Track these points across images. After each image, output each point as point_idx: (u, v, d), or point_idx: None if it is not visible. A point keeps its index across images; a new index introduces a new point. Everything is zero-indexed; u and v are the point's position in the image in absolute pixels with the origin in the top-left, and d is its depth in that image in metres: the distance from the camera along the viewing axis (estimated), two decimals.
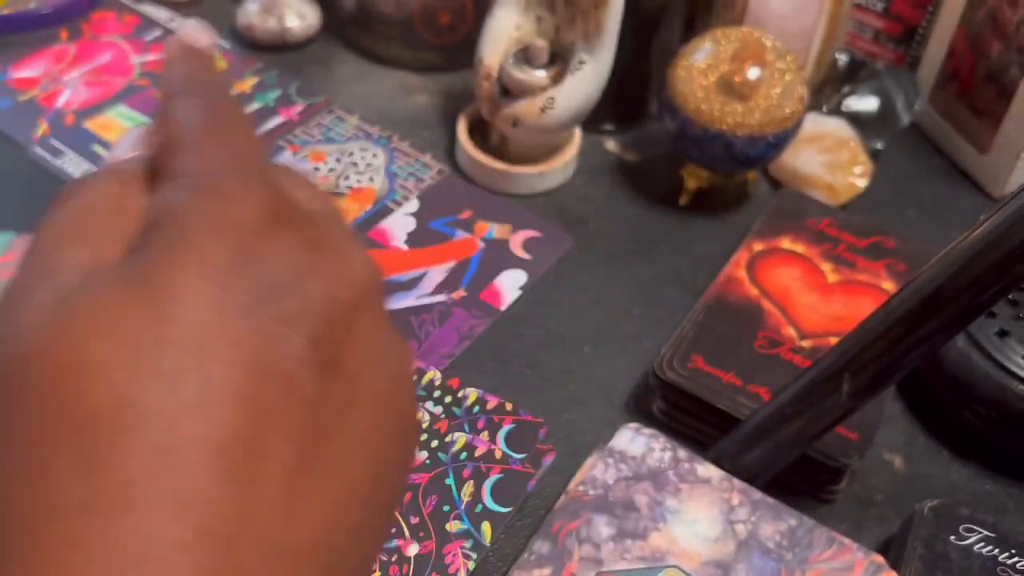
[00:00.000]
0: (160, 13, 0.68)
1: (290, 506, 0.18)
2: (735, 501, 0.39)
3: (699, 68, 0.53)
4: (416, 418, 0.23)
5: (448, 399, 0.46)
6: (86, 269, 0.19)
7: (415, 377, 0.22)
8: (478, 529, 0.41)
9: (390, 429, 0.21)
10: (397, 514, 0.41)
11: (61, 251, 0.20)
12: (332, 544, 0.18)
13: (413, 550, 0.40)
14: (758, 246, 0.52)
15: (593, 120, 0.59)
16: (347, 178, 0.58)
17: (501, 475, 0.43)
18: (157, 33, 0.67)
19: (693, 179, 0.58)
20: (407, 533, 0.40)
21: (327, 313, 0.19)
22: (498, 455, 0.44)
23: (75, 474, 0.16)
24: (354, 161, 0.59)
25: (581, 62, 0.54)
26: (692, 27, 0.67)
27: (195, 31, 0.26)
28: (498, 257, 0.54)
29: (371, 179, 0.58)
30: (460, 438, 0.44)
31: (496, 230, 0.56)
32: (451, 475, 0.43)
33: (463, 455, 0.44)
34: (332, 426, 0.19)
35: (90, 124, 0.59)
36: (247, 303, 0.18)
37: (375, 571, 0.39)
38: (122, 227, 0.20)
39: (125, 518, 0.16)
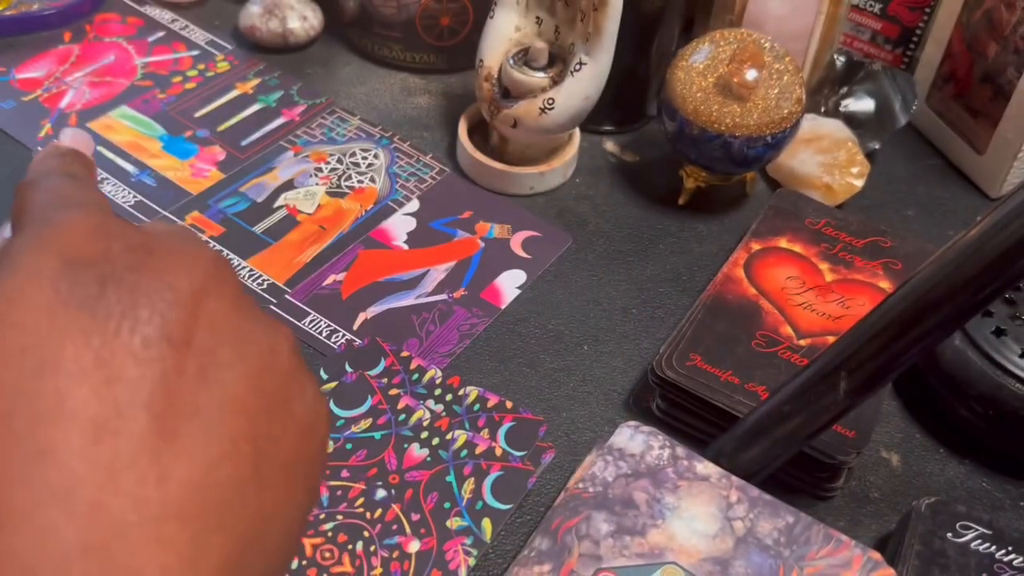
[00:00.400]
0: (164, 15, 0.69)
1: (158, 464, 0.19)
2: (733, 498, 0.39)
3: (697, 69, 0.54)
4: (309, 387, 0.24)
5: (449, 397, 0.46)
6: None
7: (296, 354, 0.24)
8: (479, 526, 0.41)
9: (266, 394, 0.22)
10: (321, 492, 0.41)
11: None
12: (207, 492, 0.20)
13: (414, 547, 0.40)
14: (756, 246, 0.52)
15: (592, 121, 0.60)
16: (349, 178, 0.58)
17: (501, 472, 0.43)
18: (160, 34, 0.67)
19: (692, 179, 0.58)
20: (408, 530, 0.41)
21: (165, 299, 0.21)
22: (498, 452, 0.44)
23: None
24: (355, 162, 0.59)
25: (581, 63, 0.54)
26: (690, 29, 0.67)
27: (76, 138, 0.30)
28: (498, 257, 0.55)
29: (372, 179, 0.58)
30: (461, 436, 0.45)
31: (496, 230, 0.56)
32: (452, 472, 0.43)
33: (464, 452, 0.44)
34: (192, 394, 0.20)
35: (94, 125, 0.59)
36: (82, 299, 0.20)
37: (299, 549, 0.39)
38: None
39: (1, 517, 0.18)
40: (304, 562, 0.39)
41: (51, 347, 0.19)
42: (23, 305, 0.20)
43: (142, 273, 0.21)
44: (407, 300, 0.51)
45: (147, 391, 0.20)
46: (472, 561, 0.40)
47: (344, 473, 0.42)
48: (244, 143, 0.60)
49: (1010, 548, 0.40)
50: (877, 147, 0.62)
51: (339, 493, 0.42)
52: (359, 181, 0.58)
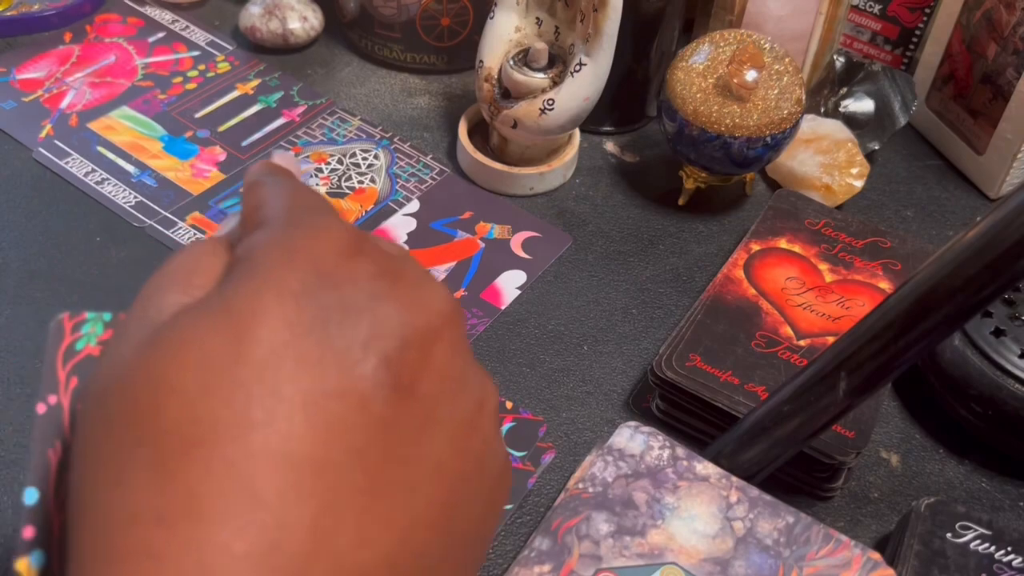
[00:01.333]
0: (164, 15, 0.69)
1: (359, 525, 0.18)
2: (733, 498, 0.39)
3: (697, 70, 0.54)
4: (500, 451, 0.22)
5: None
6: (178, 308, 0.20)
7: (498, 412, 0.23)
8: None
9: (468, 457, 0.21)
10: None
11: (159, 297, 0.21)
12: (398, 567, 0.18)
13: None
14: (756, 246, 0.52)
15: (592, 121, 0.60)
16: (349, 179, 0.58)
17: None
18: (161, 35, 0.67)
19: (691, 180, 0.58)
20: None
21: (401, 336, 0.19)
22: None
23: (149, 486, 0.17)
24: (356, 162, 0.59)
25: (581, 64, 0.54)
26: (690, 29, 0.67)
27: (285, 159, 0.27)
28: (498, 257, 0.55)
29: (373, 180, 0.58)
30: None
31: (496, 230, 0.56)
32: None
33: None
34: (405, 449, 0.19)
35: (94, 126, 0.59)
36: (322, 324, 0.19)
37: None
38: (212, 272, 0.22)
39: (194, 530, 0.17)
40: None
41: (282, 372, 0.18)
42: (264, 319, 0.18)
43: (384, 304, 0.20)
44: None
45: (365, 439, 0.18)
46: None
47: None
48: (245, 144, 0.60)
49: (1009, 548, 0.40)
50: (877, 148, 0.62)
51: None
52: (359, 182, 0.58)
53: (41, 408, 0.22)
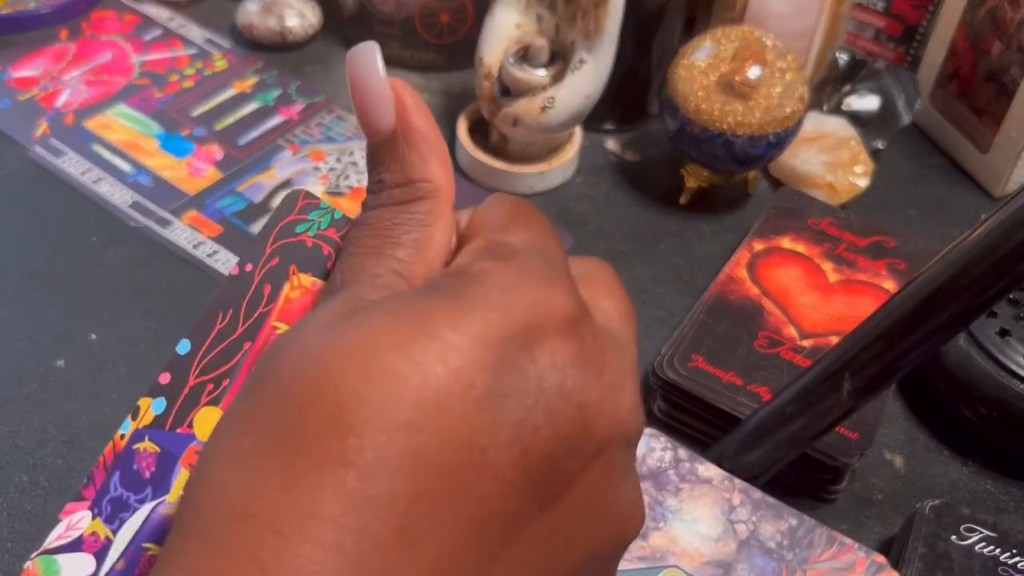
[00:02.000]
0: (160, 12, 0.68)
1: None
2: (736, 501, 0.39)
3: (699, 67, 0.53)
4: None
5: None
6: (382, 284, 0.20)
7: (628, 544, 0.21)
8: None
9: None
10: None
11: (376, 262, 0.21)
12: None
13: None
14: (758, 245, 0.52)
15: (593, 119, 0.59)
16: (347, 177, 0.58)
17: None
18: (157, 32, 0.67)
19: (693, 178, 0.57)
20: None
21: (569, 441, 0.18)
22: None
23: (278, 489, 0.17)
24: (354, 160, 0.59)
25: (581, 61, 0.54)
26: (692, 26, 0.67)
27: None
28: None
29: None
30: None
31: None
32: None
33: None
34: (522, 554, 0.18)
35: (90, 124, 0.59)
36: (496, 391, 0.17)
37: None
38: (439, 257, 0.21)
39: (302, 547, 0.16)
40: None
41: (439, 418, 0.17)
42: (454, 356, 0.17)
43: (565, 401, 0.18)
44: None
45: (485, 525, 0.17)
46: None
47: None
48: (242, 142, 0.59)
49: (1014, 551, 0.39)
50: (880, 146, 0.61)
51: None
52: (358, 180, 0.58)
53: (235, 270, 0.23)
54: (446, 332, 0.17)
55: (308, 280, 0.23)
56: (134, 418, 0.22)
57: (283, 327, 0.23)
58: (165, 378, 0.23)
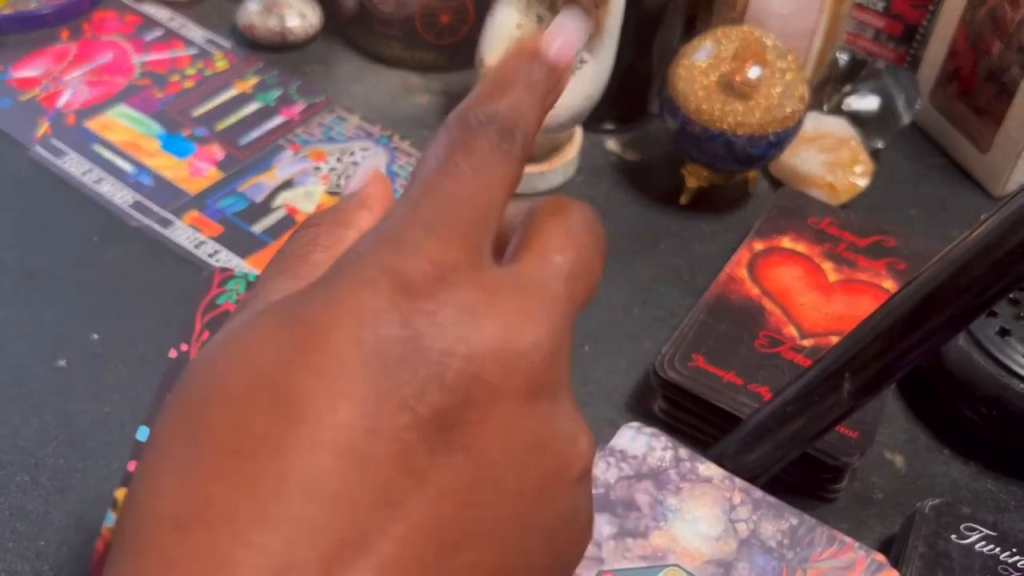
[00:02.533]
0: (161, 13, 0.68)
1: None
2: (736, 500, 0.39)
3: (700, 67, 0.53)
4: (580, 519, 0.20)
5: None
6: (280, 296, 0.20)
7: (589, 474, 0.21)
8: None
9: (532, 532, 0.19)
10: None
11: (268, 281, 0.21)
12: None
13: None
14: (759, 245, 0.52)
15: (594, 119, 0.59)
16: (348, 177, 0.58)
17: None
18: (158, 33, 0.67)
19: (694, 178, 0.58)
20: None
21: (459, 392, 0.18)
22: None
23: (177, 487, 0.17)
24: (355, 161, 0.59)
25: (582, 61, 0.54)
26: (693, 26, 0.67)
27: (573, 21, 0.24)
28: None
29: None
30: None
31: None
32: None
33: None
34: (447, 510, 0.18)
35: (91, 124, 0.59)
36: (384, 357, 0.17)
37: None
38: (321, 261, 0.21)
39: (207, 539, 0.16)
40: None
41: (328, 398, 0.17)
42: (332, 335, 0.18)
43: (455, 348, 0.18)
44: None
45: (400, 490, 0.17)
46: None
47: None
48: (243, 142, 0.59)
49: (1015, 550, 0.39)
50: (880, 146, 0.61)
51: None
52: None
53: (173, 353, 0.23)
54: (323, 317, 0.18)
55: None
56: (114, 508, 0.22)
57: None
58: (133, 466, 0.22)
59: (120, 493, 0.21)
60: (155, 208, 0.54)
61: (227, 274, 0.24)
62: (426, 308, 0.18)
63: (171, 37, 0.66)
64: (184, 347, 0.23)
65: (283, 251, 0.22)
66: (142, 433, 0.22)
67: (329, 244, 0.22)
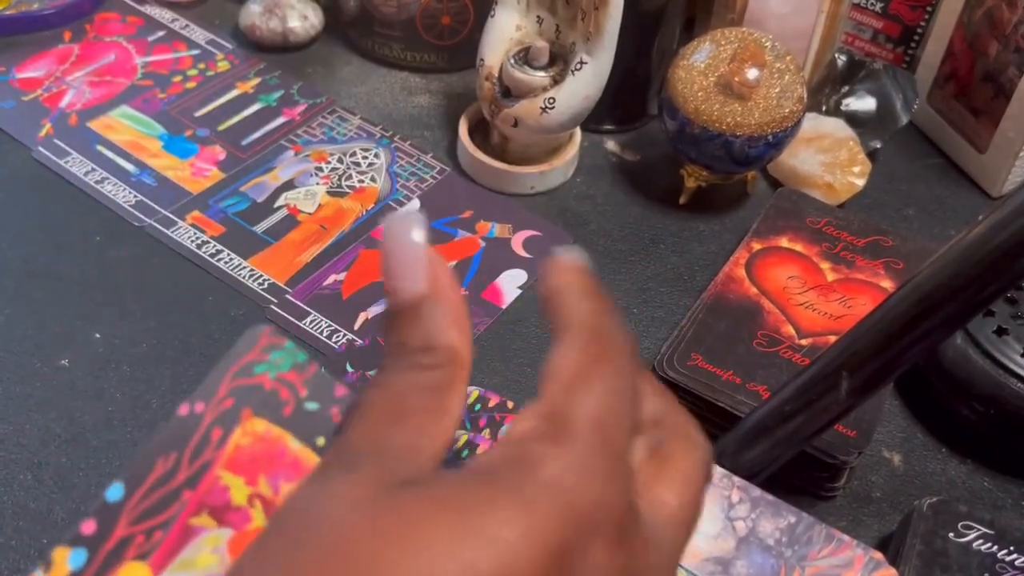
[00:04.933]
0: (164, 14, 0.69)
1: None
2: (735, 498, 0.39)
3: (698, 69, 0.54)
4: None
5: None
6: (407, 458, 0.19)
7: None
8: None
9: None
10: None
11: (390, 427, 0.20)
12: None
13: None
14: (757, 245, 0.52)
15: (593, 120, 0.60)
16: (349, 178, 0.58)
17: None
18: (161, 34, 0.67)
19: (692, 178, 0.58)
20: None
21: None
22: None
23: None
24: (356, 161, 0.59)
25: (581, 62, 0.54)
26: (691, 28, 0.67)
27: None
28: (499, 256, 0.54)
29: (373, 179, 0.58)
30: (462, 436, 0.45)
31: (497, 229, 0.56)
32: None
33: (465, 453, 0.44)
34: None
35: (94, 124, 0.59)
36: None
37: None
38: (448, 425, 0.20)
39: None
40: None
41: None
42: None
43: None
44: None
45: None
46: None
47: None
48: (245, 142, 0.60)
49: (1012, 548, 0.40)
50: (878, 146, 0.62)
51: None
52: (360, 181, 0.58)
53: (183, 409, 0.21)
54: (502, 529, 0.16)
55: (262, 426, 0.22)
56: (45, 572, 0.19)
57: (228, 476, 0.21)
58: (89, 527, 0.20)
59: (60, 553, 0.19)
60: (157, 208, 0.55)
61: (275, 341, 0.22)
62: (601, 557, 0.18)
63: (173, 38, 0.67)
64: (200, 407, 0.21)
65: (389, 396, 0.20)
66: (113, 492, 0.20)
67: (437, 411, 0.20)
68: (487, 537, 0.16)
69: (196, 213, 0.55)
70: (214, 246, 0.53)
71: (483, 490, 0.17)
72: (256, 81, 0.64)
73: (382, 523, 0.17)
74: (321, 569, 0.16)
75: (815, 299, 0.49)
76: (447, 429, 0.20)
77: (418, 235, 0.21)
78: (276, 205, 0.56)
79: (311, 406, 0.22)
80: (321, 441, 0.22)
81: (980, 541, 0.40)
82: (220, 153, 0.59)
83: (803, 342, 0.47)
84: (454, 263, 0.54)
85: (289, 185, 0.57)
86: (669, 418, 0.22)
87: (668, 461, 0.21)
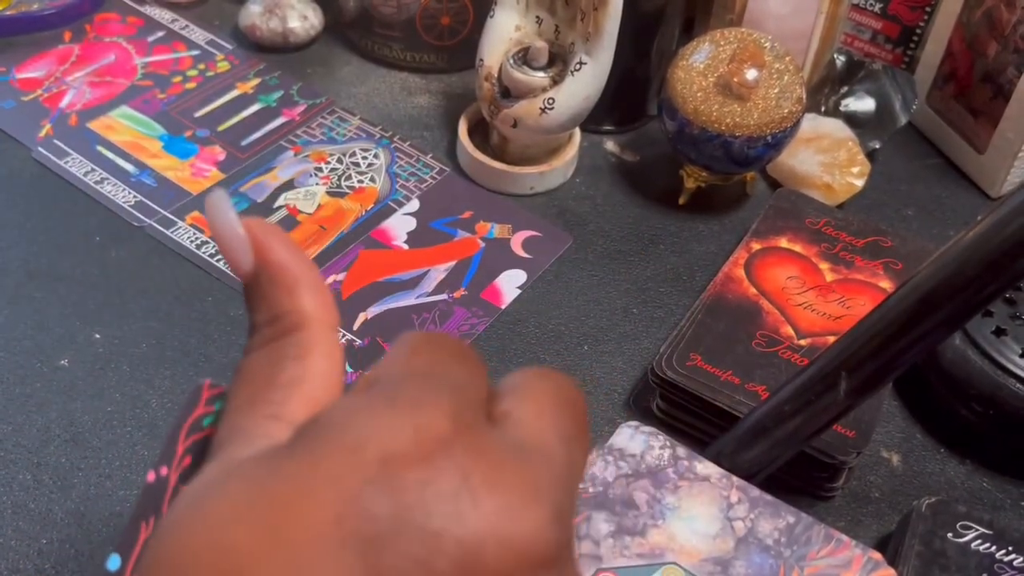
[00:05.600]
0: (164, 14, 0.69)
1: None
2: (734, 498, 0.39)
3: (698, 69, 0.54)
4: None
5: None
6: (256, 435, 0.19)
7: None
8: None
9: None
10: None
11: (237, 417, 0.20)
12: None
13: None
14: (756, 245, 0.52)
15: (593, 120, 0.60)
16: (349, 178, 0.58)
17: None
18: (160, 34, 0.67)
19: (692, 179, 0.58)
20: None
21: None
22: None
23: None
24: (356, 161, 0.59)
25: (581, 63, 0.54)
26: (691, 28, 0.67)
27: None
28: (498, 256, 0.54)
29: (372, 179, 0.58)
30: None
31: (496, 230, 0.56)
32: None
33: None
34: None
35: (94, 125, 0.59)
36: (368, 538, 0.16)
37: None
38: (312, 389, 0.20)
39: None
40: None
41: None
42: (306, 517, 0.16)
43: (447, 531, 0.16)
44: (407, 300, 0.51)
45: None
46: None
47: None
48: (244, 143, 0.60)
49: (1010, 548, 0.40)
50: (877, 146, 0.62)
51: None
52: (359, 181, 0.58)
53: (151, 476, 0.21)
54: (297, 490, 0.16)
55: None
56: None
57: None
58: None
59: None
60: (157, 208, 0.55)
61: (215, 391, 0.22)
62: (418, 478, 0.16)
63: (173, 39, 0.67)
64: (164, 470, 0.21)
65: (245, 380, 0.20)
66: (112, 562, 0.20)
67: (296, 377, 0.20)
68: (281, 505, 0.16)
69: (196, 213, 0.55)
70: (214, 246, 0.53)
71: (281, 458, 0.17)
72: (256, 81, 0.64)
73: (192, 518, 0.17)
74: (157, 561, 0.17)
75: (814, 299, 0.50)
76: (309, 394, 0.20)
77: (230, 213, 0.21)
78: (276, 205, 0.56)
79: None
80: None
81: (979, 541, 0.40)
82: (220, 153, 0.59)
83: (802, 342, 0.47)
84: (453, 263, 0.54)
85: (289, 185, 0.57)
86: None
87: (518, 390, 0.20)
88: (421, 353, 0.20)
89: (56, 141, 0.58)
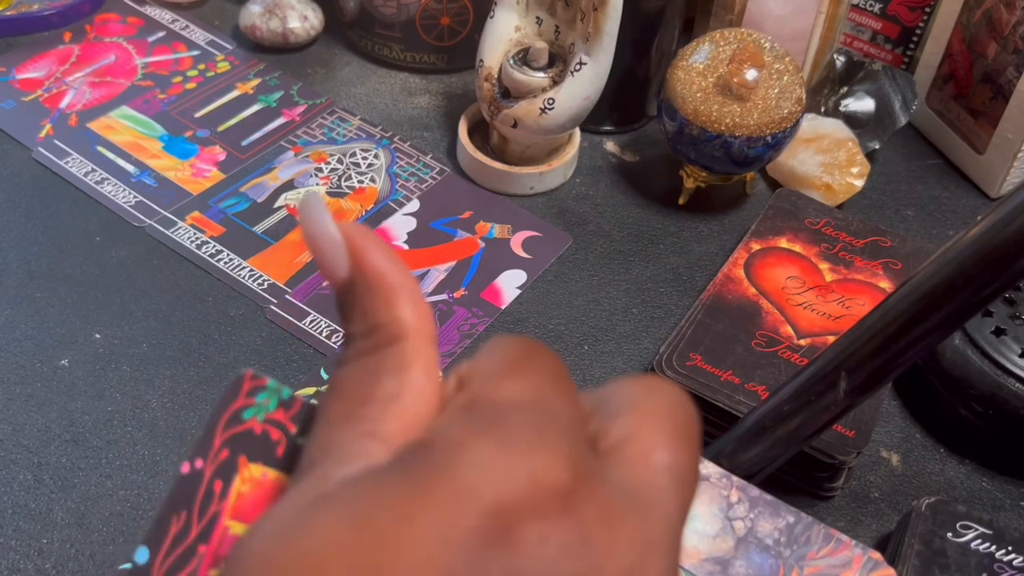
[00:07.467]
0: (164, 15, 0.69)
1: None
2: (734, 498, 0.39)
3: (697, 69, 0.54)
4: None
5: None
6: (351, 454, 0.18)
7: None
8: None
9: None
10: None
11: (331, 431, 0.19)
12: None
13: None
14: (756, 245, 0.52)
15: (593, 121, 0.60)
16: (349, 179, 0.58)
17: None
18: (161, 34, 0.67)
19: (692, 179, 0.58)
20: None
21: None
22: None
23: None
24: (356, 162, 0.59)
25: (581, 63, 0.54)
26: (690, 29, 0.67)
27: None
28: (498, 257, 0.55)
29: (373, 179, 0.58)
30: None
31: (496, 230, 0.56)
32: None
33: None
34: None
35: (94, 125, 0.59)
36: None
37: None
38: (411, 404, 0.18)
39: None
40: None
41: None
42: (413, 558, 0.15)
43: None
44: None
45: None
46: None
47: None
48: (244, 143, 0.60)
49: (1010, 548, 0.40)
50: (877, 147, 0.62)
51: None
52: (359, 181, 0.58)
53: (185, 467, 0.21)
54: (401, 529, 0.15)
55: (258, 471, 0.21)
56: None
57: (236, 525, 0.21)
58: None
59: None
60: (157, 209, 0.55)
61: (257, 383, 0.21)
62: (535, 535, 0.15)
63: (173, 39, 0.67)
64: (199, 463, 0.21)
65: (339, 395, 0.19)
66: (141, 555, 0.20)
67: (394, 392, 0.19)
68: (384, 540, 0.15)
69: (196, 213, 0.55)
70: (214, 246, 0.53)
71: (386, 484, 0.16)
72: (256, 82, 0.64)
73: (283, 547, 0.16)
74: None
75: (814, 299, 0.50)
76: (408, 410, 0.18)
77: (325, 216, 0.20)
78: (276, 205, 0.56)
79: (302, 441, 0.22)
80: None
81: (978, 541, 0.40)
82: (220, 154, 0.59)
83: (802, 342, 0.47)
84: (453, 263, 0.54)
85: (289, 186, 0.57)
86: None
87: (629, 408, 0.19)
88: (523, 372, 0.18)
89: (56, 141, 0.58)
